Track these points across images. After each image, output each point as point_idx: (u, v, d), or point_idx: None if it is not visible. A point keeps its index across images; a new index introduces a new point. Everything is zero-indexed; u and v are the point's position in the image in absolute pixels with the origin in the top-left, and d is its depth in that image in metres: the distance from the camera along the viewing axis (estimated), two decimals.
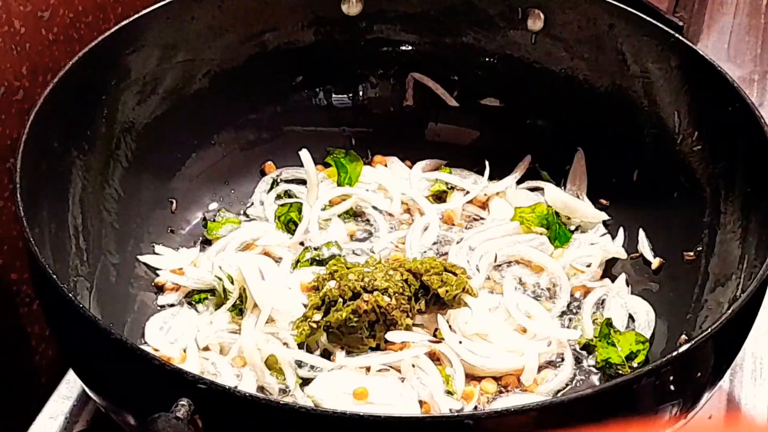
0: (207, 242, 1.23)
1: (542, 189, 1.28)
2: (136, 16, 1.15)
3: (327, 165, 1.31)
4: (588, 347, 1.13)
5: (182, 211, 1.24)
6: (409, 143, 1.33)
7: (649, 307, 1.16)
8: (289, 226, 1.23)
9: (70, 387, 1.14)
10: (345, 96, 1.33)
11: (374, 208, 1.26)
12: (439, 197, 1.29)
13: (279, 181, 1.29)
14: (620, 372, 1.10)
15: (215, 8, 1.22)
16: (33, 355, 1.25)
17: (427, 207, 1.25)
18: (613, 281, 1.19)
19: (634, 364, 1.10)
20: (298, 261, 1.19)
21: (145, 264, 1.18)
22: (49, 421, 1.11)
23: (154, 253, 1.19)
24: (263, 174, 1.30)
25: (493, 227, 1.24)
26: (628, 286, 1.19)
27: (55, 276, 0.91)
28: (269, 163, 1.30)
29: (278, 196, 1.27)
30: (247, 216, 1.26)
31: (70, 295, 0.90)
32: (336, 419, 0.82)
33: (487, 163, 1.28)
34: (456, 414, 1.00)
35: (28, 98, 1.16)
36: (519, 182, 1.29)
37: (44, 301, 1.00)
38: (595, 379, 1.11)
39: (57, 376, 1.15)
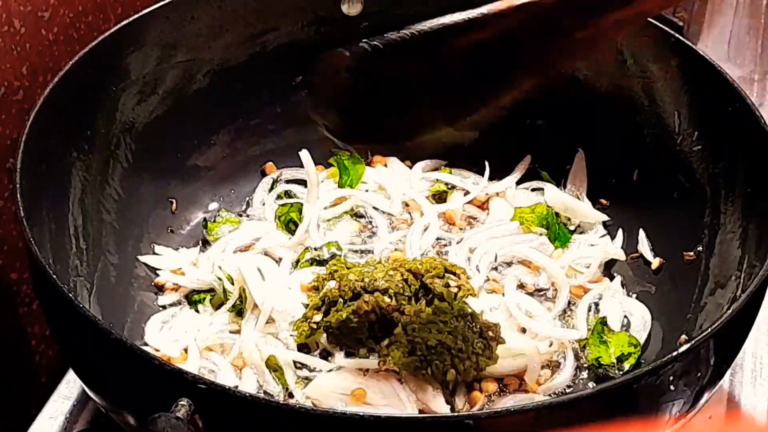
0: (207, 242, 1.22)
1: (542, 189, 1.28)
2: (136, 16, 1.15)
3: (328, 165, 1.30)
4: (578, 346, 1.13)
5: (182, 211, 1.24)
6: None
7: (645, 310, 1.16)
8: (290, 226, 1.23)
9: (70, 387, 1.14)
10: None
11: (374, 208, 1.26)
12: (439, 197, 1.29)
13: (280, 181, 1.29)
14: (609, 373, 1.10)
15: (215, 8, 1.22)
16: (33, 355, 1.25)
17: (427, 207, 1.25)
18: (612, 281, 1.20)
19: (626, 366, 1.10)
20: (298, 261, 1.19)
21: (145, 264, 1.18)
22: (49, 421, 1.11)
23: (154, 253, 1.19)
24: (264, 174, 1.30)
25: (493, 227, 1.24)
26: (623, 287, 1.19)
27: (55, 276, 0.91)
28: (270, 163, 1.30)
29: (279, 197, 1.27)
30: (248, 216, 1.26)
31: (70, 295, 0.90)
32: (336, 419, 0.82)
33: (487, 164, 1.28)
34: (456, 414, 1.00)
35: (28, 98, 1.16)
36: (519, 182, 1.29)
37: (44, 301, 1.00)
38: (584, 377, 1.11)
39: (57, 376, 1.15)
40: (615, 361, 1.10)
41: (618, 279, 1.19)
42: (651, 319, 1.15)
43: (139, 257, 1.18)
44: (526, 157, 1.30)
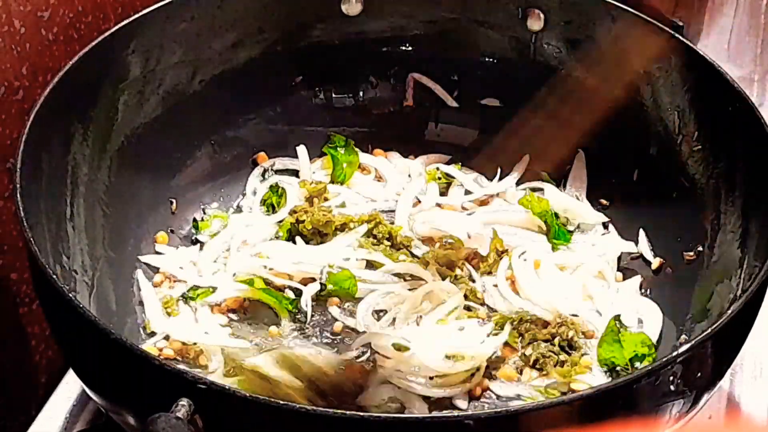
0: (200, 242, 1.22)
1: (542, 189, 1.28)
2: (136, 16, 1.15)
3: (322, 154, 1.31)
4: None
5: (182, 211, 1.24)
6: (409, 143, 1.33)
7: (657, 309, 1.15)
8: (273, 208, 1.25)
9: (70, 387, 1.14)
10: (345, 96, 1.33)
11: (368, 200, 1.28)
12: (440, 192, 1.29)
13: (270, 171, 1.29)
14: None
15: (215, 8, 1.22)
16: (33, 355, 1.25)
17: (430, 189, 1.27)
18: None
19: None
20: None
21: (145, 264, 1.18)
22: (49, 421, 1.11)
23: (155, 253, 1.19)
24: (255, 164, 1.30)
25: (501, 211, 1.25)
26: (641, 288, 1.19)
27: (55, 276, 0.91)
28: (262, 153, 1.30)
29: (271, 188, 1.27)
30: (240, 209, 1.26)
31: (70, 295, 0.90)
32: (336, 419, 0.82)
33: (499, 169, 1.28)
34: (456, 414, 1.00)
35: (28, 98, 1.16)
36: (519, 182, 1.29)
37: (44, 301, 1.00)
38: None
39: (57, 376, 1.15)
40: (628, 362, 1.09)
41: (637, 279, 1.19)
42: (662, 318, 1.14)
43: (140, 257, 1.18)
44: (525, 157, 1.30)
